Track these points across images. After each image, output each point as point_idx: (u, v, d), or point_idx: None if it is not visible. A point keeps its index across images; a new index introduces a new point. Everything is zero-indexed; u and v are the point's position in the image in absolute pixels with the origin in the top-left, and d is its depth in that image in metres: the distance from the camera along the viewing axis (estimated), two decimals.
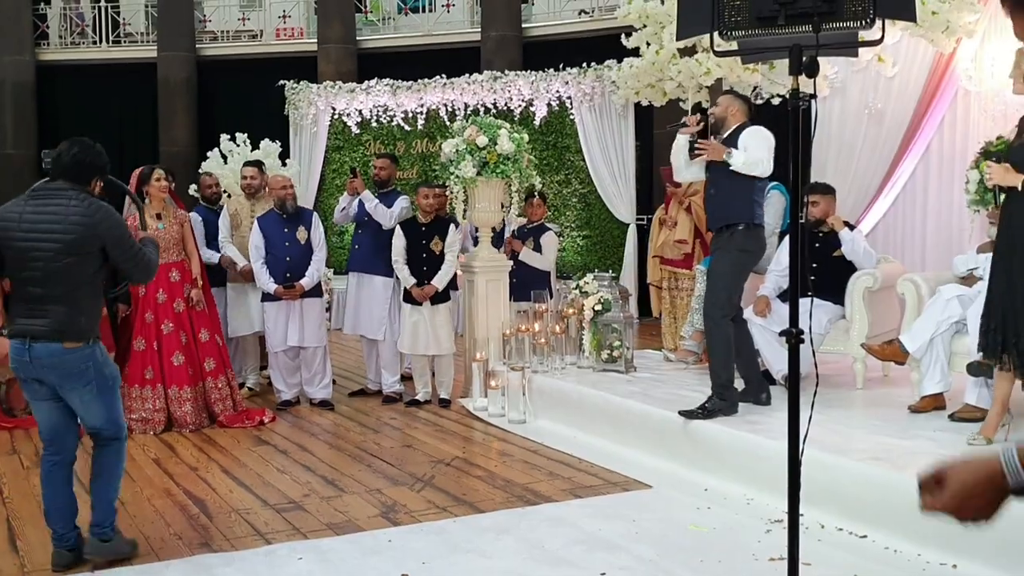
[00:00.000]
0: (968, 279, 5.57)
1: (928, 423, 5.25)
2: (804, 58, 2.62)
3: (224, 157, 9.90)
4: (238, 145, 10.10)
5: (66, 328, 3.89)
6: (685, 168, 5.80)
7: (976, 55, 7.32)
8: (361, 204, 7.53)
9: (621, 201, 11.87)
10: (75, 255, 3.87)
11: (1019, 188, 4.38)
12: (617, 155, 11.83)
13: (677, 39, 3.11)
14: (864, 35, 2.75)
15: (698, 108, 6.52)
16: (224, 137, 10.31)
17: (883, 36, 2.72)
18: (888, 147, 7.66)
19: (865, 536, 4.31)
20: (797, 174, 2.76)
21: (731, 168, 5.31)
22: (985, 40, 7.24)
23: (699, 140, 5.46)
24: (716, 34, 2.80)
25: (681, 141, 5.75)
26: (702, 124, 5.68)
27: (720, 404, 5.45)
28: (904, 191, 8.05)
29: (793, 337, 2.83)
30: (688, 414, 5.47)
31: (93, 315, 4.02)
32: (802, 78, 2.79)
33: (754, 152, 5.29)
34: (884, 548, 4.19)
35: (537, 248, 7.89)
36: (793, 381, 2.88)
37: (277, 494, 5.12)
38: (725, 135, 5.57)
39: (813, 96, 2.66)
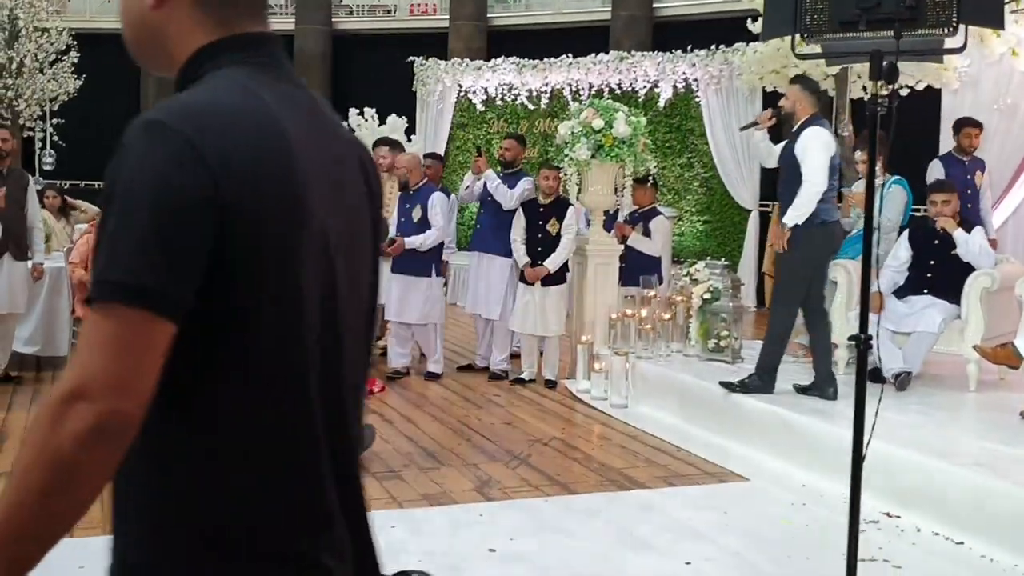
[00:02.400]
0: None
1: None
2: (884, 63, 2.58)
3: (353, 131, 10.17)
4: (366, 120, 10.39)
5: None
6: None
7: None
8: (485, 184, 7.67)
9: (744, 187, 11.69)
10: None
11: None
12: (742, 139, 11.61)
13: (762, 39, 3.11)
14: (949, 42, 2.68)
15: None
16: (353, 111, 10.62)
17: (966, 43, 2.65)
18: (1020, 143, 7.39)
19: (962, 543, 4.23)
20: (872, 177, 2.73)
21: (801, 175, 5.49)
22: None
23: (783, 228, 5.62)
24: (798, 36, 2.78)
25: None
26: (774, 119, 5.83)
27: (758, 383, 5.77)
28: None
29: (861, 343, 2.80)
30: (727, 386, 5.85)
31: None
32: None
33: (808, 173, 5.46)
34: (980, 556, 4.10)
35: (646, 233, 7.87)
36: (860, 383, 2.86)
37: (379, 462, 5.31)
38: (795, 129, 5.67)
39: (892, 99, 2.61)
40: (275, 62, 1.26)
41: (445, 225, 7.46)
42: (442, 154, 13.28)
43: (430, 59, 13.68)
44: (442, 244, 7.60)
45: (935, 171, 7.27)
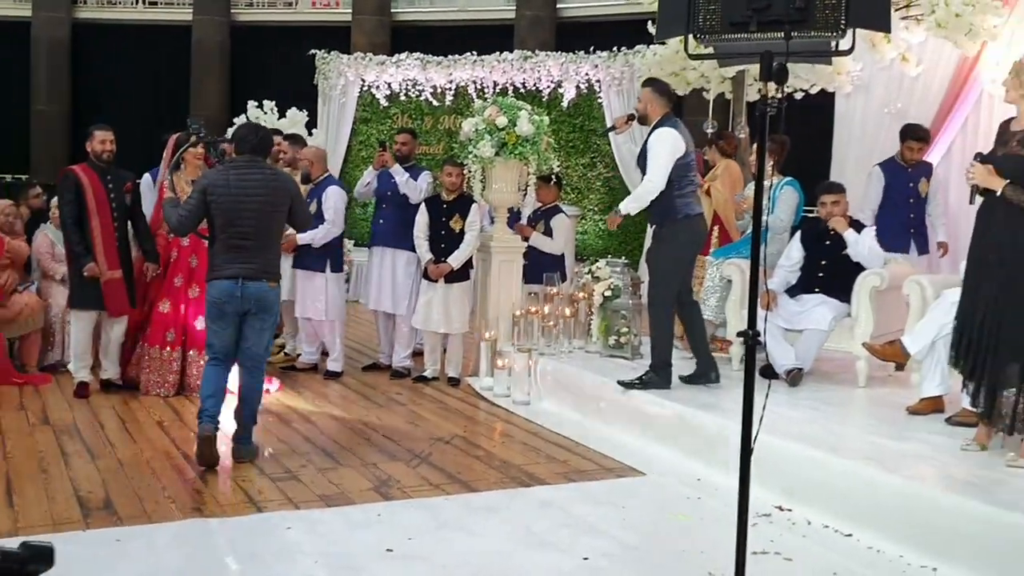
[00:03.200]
0: None
1: (924, 426, 5.25)
2: (774, 64, 2.64)
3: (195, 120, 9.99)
4: (265, 113, 10.22)
5: (273, 269, 5.21)
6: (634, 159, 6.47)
7: (1001, 59, 7.24)
8: (382, 179, 7.60)
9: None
10: (277, 210, 5.17)
11: (997, 193, 4.40)
12: (640, 142, 11.78)
13: (656, 39, 3.15)
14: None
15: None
16: (252, 104, 10.43)
17: (854, 45, 2.73)
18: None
19: (850, 535, 4.35)
20: (760, 177, 2.79)
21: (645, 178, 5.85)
22: (1011, 45, 7.16)
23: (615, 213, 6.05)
24: (691, 37, 2.83)
25: (619, 140, 6.26)
26: (631, 124, 6.22)
27: (655, 379, 5.96)
28: None
29: (750, 339, 2.86)
30: (626, 384, 6.00)
31: (279, 261, 5.38)
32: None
33: (650, 172, 5.82)
34: (868, 548, 4.22)
35: (548, 231, 7.91)
36: (748, 379, 2.92)
37: (275, 463, 5.22)
38: (649, 130, 5.99)
39: (782, 101, 2.67)
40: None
41: (338, 219, 7.33)
42: (344, 149, 13.17)
43: (332, 53, 13.53)
44: (341, 239, 7.51)
45: (875, 178, 7.29)
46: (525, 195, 7.82)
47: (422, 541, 4.13)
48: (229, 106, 14.93)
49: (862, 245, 6.24)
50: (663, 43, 7.95)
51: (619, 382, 6.04)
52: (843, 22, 2.65)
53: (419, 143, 12.34)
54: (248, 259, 5.07)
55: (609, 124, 6.39)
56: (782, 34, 2.65)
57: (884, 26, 2.84)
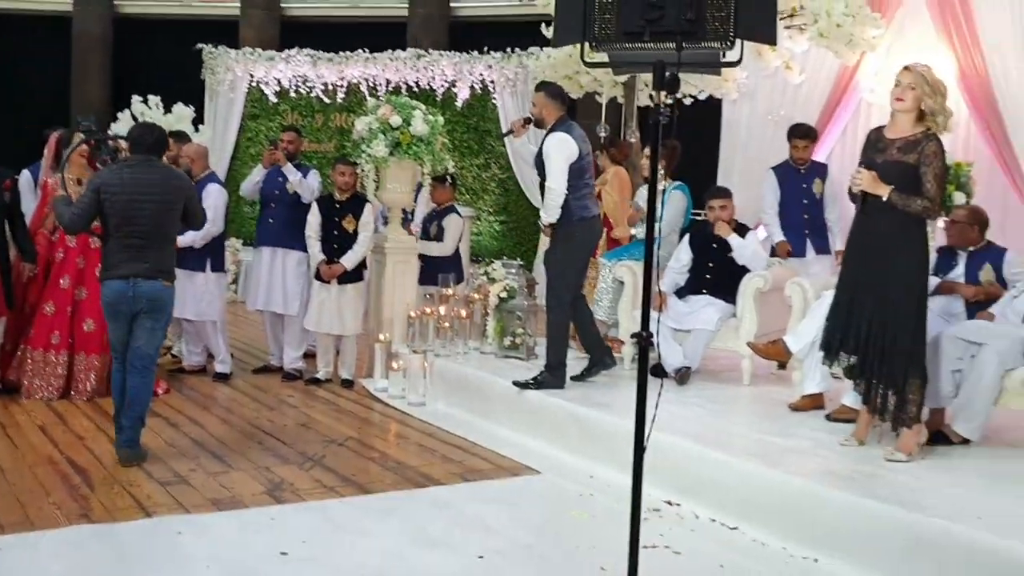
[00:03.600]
0: None
1: (806, 422, 5.45)
2: (667, 74, 2.73)
3: (135, 119, 9.75)
4: (150, 108, 9.98)
5: (168, 268, 5.19)
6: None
7: (879, 69, 7.57)
8: (270, 177, 7.50)
9: (538, 188, 11.91)
10: (171, 210, 5.16)
11: (884, 198, 4.58)
12: (537, 142, 11.86)
13: (553, 46, 3.21)
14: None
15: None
16: (136, 99, 10.17)
17: (742, 57, 2.84)
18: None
19: (736, 528, 4.48)
20: (654, 183, 2.88)
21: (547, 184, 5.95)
22: (889, 55, 7.49)
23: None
24: (587, 45, 2.90)
25: (517, 143, 6.53)
26: (527, 127, 6.26)
27: (549, 379, 6.03)
28: None
29: (643, 340, 2.94)
30: (520, 384, 6.06)
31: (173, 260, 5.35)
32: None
33: (549, 179, 5.92)
34: (752, 540, 4.36)
35: (440, 231, 7.91)
36: (641, 377, 3.00)
37: (163, 467, 5.11)
38: (545, 134, 6.08)
39: (673, 109, 2.76)
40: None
41: (218, 219, 7.18)
42: (232, 146, 12.92)
43: (220, 47, 13.26)
44: (222, 238, 7.37)
45: (768, 182, 7.29)
46: (417, 195, 7.84)
47: (316, 544, 4.11)
48: (112, 101, 14.47)
49: (746, 248, 6.44)
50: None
51: (514, 382, 6.08)
52: (732, 34, 2.76)
53: (309, 140, 12.33)
54: (142, 258, 5.06)
55: (505, 128, 6.42)
56: (674, 45, 2.75)
57: (770, 39, 2.95)
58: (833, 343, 4.86)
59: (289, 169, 7.39)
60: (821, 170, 7.24)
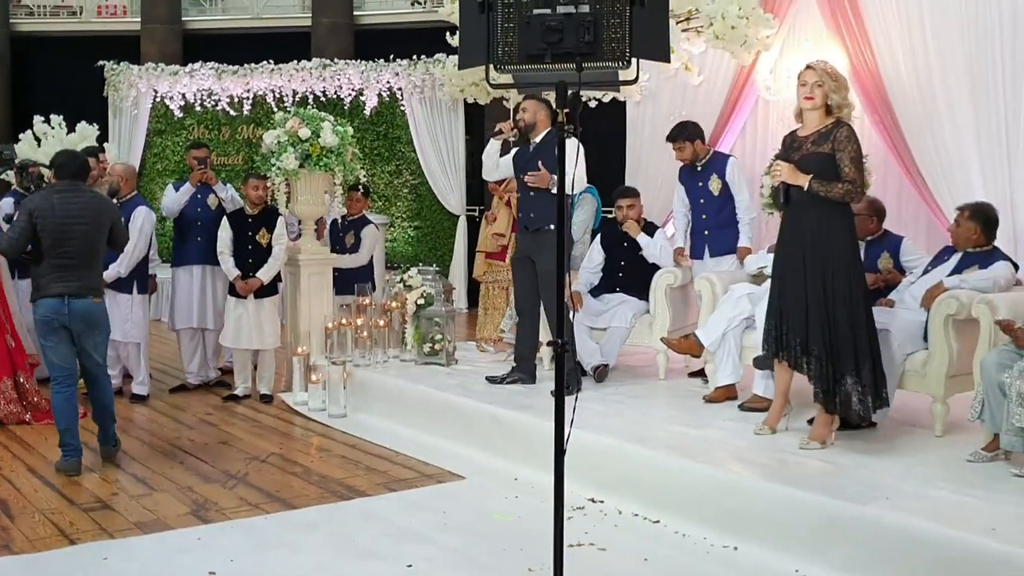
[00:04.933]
0: (758, 277, 5.97)
1: (720, 413, 5.62)
2: (568, 92, 2.84)
3: (38, 140, 9.53)
4: (52, 128, 9.74)
5: (97, 287, 5.47)
6: (495, 170, 6.47)
7: (774, 67, 7.80)
8: (192, 195, 7.45)
9: (452, 193, 12.01)
10: (100, 231, 5.45)
11: (805, 188, 4.73)
12: (448, 148, 11.96)
13: (459, 68, 3.28)
14: (624, 74, 2.98)
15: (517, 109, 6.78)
16: (38, 119, 9.92)
17: (638, 75, 2.96)
18: (699, 150, 8.04)
19: (658, 521, 4.60)
20: (561, 191, 2.98)
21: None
22: (783, 54, 7.72)
23: (529, 173, 6.05)
24: (492, 67, 2.99)
25: (494, 146, 6.28)
26: (516, 130, 6.18)
27: (521, 375, 6.26)
28: None
29: (558, 347, 3.04)
30: (494, 380, 6.26)
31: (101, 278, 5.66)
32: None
33: (578, 178, 5.89)
34: (674, 532, 4.49)
35: (358, 242, 7.91)
36: (559, 380, 3.10)
37: (85, 493, 5.05)
38: (538, 140, 6.10)
39: (575, 127, 2.87)
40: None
41: (142, 241, 7.09)
42: (138, 162, 12.69)
43: (122, 63, 13.02)
44: (146, 260, 7.29)
45: (677, 183, 6.90)
46: (332, 206, 7.83)
47: (244, 562, 4.11)
48: (12, 121, 14.09)
49: (653, 247, 6.61)
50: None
51: (487, 378, 6.37)
52: (628, 54, 2.88)
53: (217, 154, 12.25)
54: (74, 278, 5.34)
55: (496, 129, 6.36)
56: (574, 65, 2.85)
57: (663, 56, 3.07)
58: (770, 341, 4.94)
59: (220, 187, 7.40)
60: (719, 166, 6.66)
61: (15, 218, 5.57)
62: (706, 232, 6.61)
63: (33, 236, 5.34)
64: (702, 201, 6.64)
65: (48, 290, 5.33)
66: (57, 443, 5.45)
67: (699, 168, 6.67)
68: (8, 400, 6.47)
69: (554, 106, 3.01)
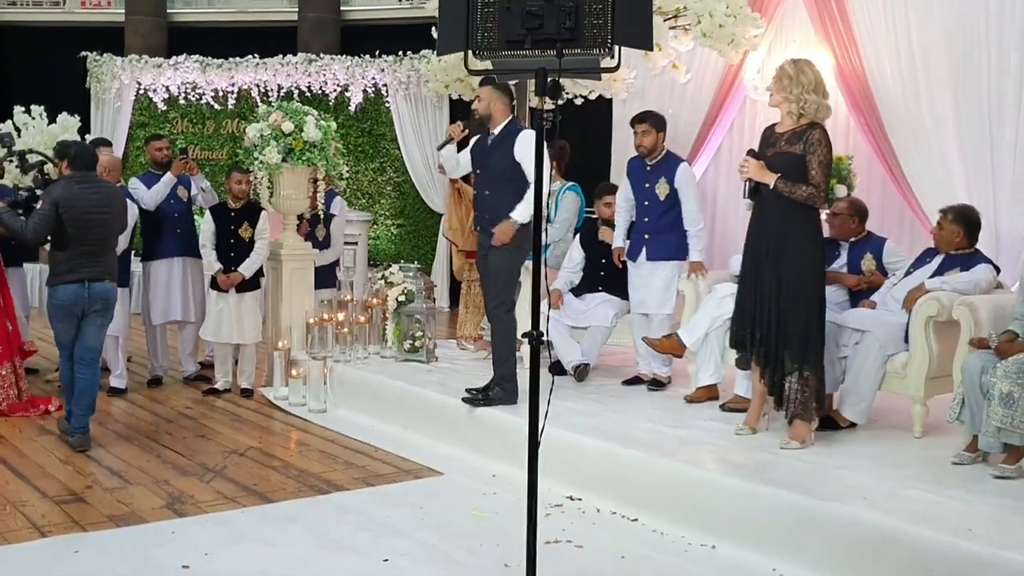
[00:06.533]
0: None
1: (701, 413, 5.61)
2: (548, 80, 2.80)
3: (18, 130, 9.44)
4: (34, 119, 9.67)
5: (113, 271, 5.83)
6: (457, 168, 6.11)
7: (762, 66, 7.80)
8: (175, 186, 7.39)
9: (435, 191, 11.96)
10: (116, 220, 5.90)
11: (771, 186, 4.73)
12: (432, 145, 11.91)
13: (438, 55, 3.25)
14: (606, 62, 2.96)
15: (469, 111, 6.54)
16: (18, 109, 9.84)
17: (619, 63, 2.93)
18: (681, 149, 8.03)
19: (636, 519, 4.59)
20: (539, 185, 2.95)
21: (519, 175, 5.57)
22: (770, 53, 7.73)
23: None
24: (470, 53, 2.96)
25: (449, 150, 5.96)
26: (466, 131, 5.90)
27: (501, 395, 5.70)
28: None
29: (533, 339, 3.01)
30: (471, 401, 5.72)
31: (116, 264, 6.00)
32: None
33: (531, 176, 5.45)
34: (652, 531, 4.47)
35: (328, 236, 7.84)
36: (534, 375, 3.07)
37: (57, 485, 4.99)
38: (497, 132, 5.72)
39: (556, 114, 2.83)
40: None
41: (127, 234, 7.03)
42: (121, 155, 12.60)
43: (105, 55, 12.93)
44: (128, 252, 7.23)
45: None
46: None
47: (219, 556, 4.07)
48: None
49: None
50: None
51: (464, 399, 5.74)
52: (610, 40, 2.84)
53: (200, 148, 12.20)
54: (95, 264, 5.68)
55: (444, 138, 6.13)
56: (555, 52, 2.82)
57: (646, 44, 3.04)
58: (737, 337, 4.98)
59: (199, 178, 7.36)
60: (669, 169, 6.19)
61: (39, 206, 5.74)
62: (646, 236, 6.23)
63: (58, 225, 5.57)
64: (646, 203, 6.25)
65: (70, 276, 5.61)
66: (30, 433, 5.39)
67: (648, 167, 6.25)
68: (7, 384, 6.52)
69: (530, 92, 2.96)
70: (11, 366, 6.58)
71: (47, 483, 5.03)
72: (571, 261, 6.71)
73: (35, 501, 4.74)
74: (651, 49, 3.05)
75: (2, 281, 6.77)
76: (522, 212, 5.57)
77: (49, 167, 6.99)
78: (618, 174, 8.70)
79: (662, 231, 6.19)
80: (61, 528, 4.36)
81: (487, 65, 3.07)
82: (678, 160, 6.36)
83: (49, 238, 5.70)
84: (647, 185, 6.24)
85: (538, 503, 4.28)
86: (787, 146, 4.77)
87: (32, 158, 6.96)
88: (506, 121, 5.71)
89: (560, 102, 2.78)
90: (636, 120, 6.30)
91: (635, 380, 6.41)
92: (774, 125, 4.95)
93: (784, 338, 4.77)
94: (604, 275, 6.63)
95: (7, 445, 5.77)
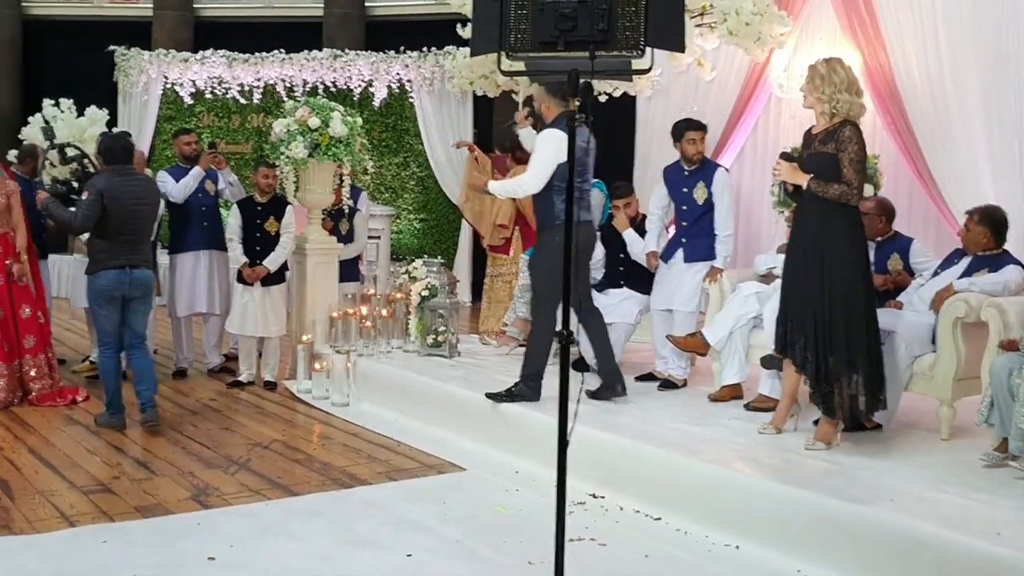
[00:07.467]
0: (767, 277, 5.94)
1: (725, 412, 5.59)
2: (580, 81, 2.81)
3: (47, 123, 9.51)
4: (62, 112, 9.73)
5: (149, 259, 6.25)
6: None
7: (788, 64, 7.76)
8: (202, 180, 7.45)
9: (458, 186, 11.93)
10: (154, 210, 6.40)
11: (803, 187, 4.70)
12: (455, 140, 11.92)
13: (471, 55, 3.27)
14: (637, 63, 2.96)
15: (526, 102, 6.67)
16: (47, 102, 9.92)
17: (652, 65, 2.93)
18: (706, 147, 8.01)
19: (659, 518, 4.58)
20: (571, 184, 2.95)
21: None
22: (796, 51, 7.68)
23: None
24: (503, 54, 2.97)
25: (523, 133, 6.26)
26: (530, 118, 6.11)
27: (525, 391, 5.67)
28: None
29: (564, 338, 3.01)
30: (495, 397, 5.71)
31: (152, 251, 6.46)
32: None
33: (528, 170, 5.62)
34: (676, 530, 4.46)
35: (351, 230, 7.87)
36: (563, 373, 3.08)
37: (85, 476, 5.04)
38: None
39: (587, 116, 2.84)
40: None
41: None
42: (148, 148, 12.69)
43: (133, 49, 13.03)
44: (154, 244, 7.29)
45: (660, 183, 6.63)
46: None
47: (244, 548, 4.10)
48: (22, 104, 14.06)
49: (637, 245, 6.56)
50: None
51: (487, 395, 5.73)
52: (642, 43, 2.85)
53: (226, 142, 12.26)
54: (135, 251, 6.01)
55: (471, 137, 6.30)
56: (587, 53, 2.83)
57: (678, 46, 3.05)
58: (777, 340, 4.91)
59: (226, 173, 7.44)
60: (707, 174, 6.26)
61: (84, 197, 5.94)
62: (683, 240, 6.29)
63: (103, 214, 5.84)
64: (684, 207, 6.33)
65: (111, 263, 5.90)
66: (58, 423, 5.43)
67: (687, 172, 6.31)
68: (41, 375, 6.66)
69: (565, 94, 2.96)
70: (45, 357, 6.68)
71: (75, 473, 5.08)
72: (593, 258, 6.69)
73: (64, 491, 4.79)
74: (683, 51, 3.06)
75: (35, 273, 6.85)
76: (493, 186, 5.93)
77: (89, 160, 7.06)
78: (642, 171, 8.71)
79: (699, 235, 6.25)
80: (89, 518, 4.41)
81: (519, 66, 3.08)
82: (716, 166, 6.48)
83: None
84: (685, 190, 6.31)
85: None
86: (820, 146, 4.73)
87: (70, 151, 7.02)
88: (551, 120, 5.70)
89: (596, 93, 2.78)
90: (692, 127, 6.33)
91: (648, 376, 6.41)
92: (812, 127, 4.92)
93: (832, 343, 4.66)
94: (624, 270, 6.64)
95: (36, 435, 5.83)
